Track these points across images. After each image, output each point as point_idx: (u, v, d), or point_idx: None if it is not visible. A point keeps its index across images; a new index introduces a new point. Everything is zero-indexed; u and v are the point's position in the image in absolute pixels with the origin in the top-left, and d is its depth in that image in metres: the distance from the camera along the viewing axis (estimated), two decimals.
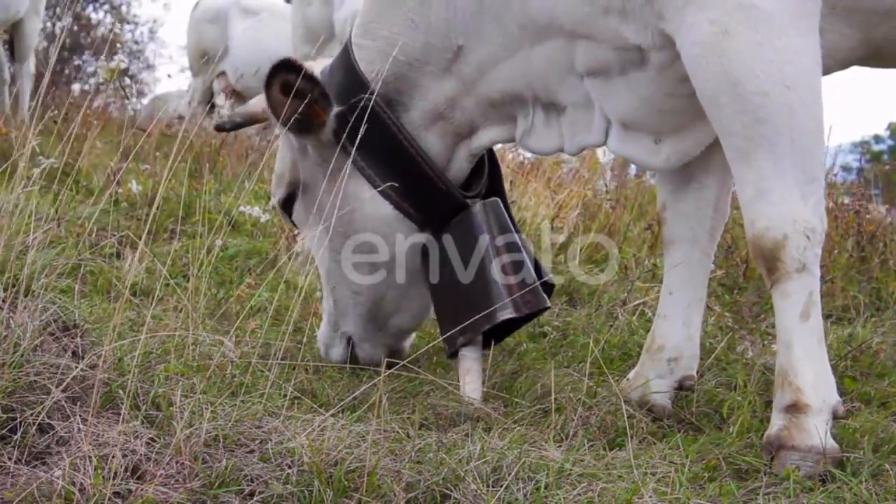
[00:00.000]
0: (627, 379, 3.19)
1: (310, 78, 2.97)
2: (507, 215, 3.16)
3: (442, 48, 3.00)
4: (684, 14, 2.62)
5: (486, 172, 3.27)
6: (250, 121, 3.24)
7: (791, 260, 2.60)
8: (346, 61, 3.10)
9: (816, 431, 2.55)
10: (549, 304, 3.17)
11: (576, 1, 2.78)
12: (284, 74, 2.95)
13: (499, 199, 3.17)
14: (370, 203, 3.09)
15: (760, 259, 2.65)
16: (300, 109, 2.92)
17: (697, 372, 3.22)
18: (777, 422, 2.62)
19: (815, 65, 2.62)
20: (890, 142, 25.93)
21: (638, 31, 2.75)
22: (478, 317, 3.00)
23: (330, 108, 3.03)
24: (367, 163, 3.06)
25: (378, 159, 3.05)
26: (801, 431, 2.56)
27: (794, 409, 2.59)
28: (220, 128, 3.32)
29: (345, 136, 3.01)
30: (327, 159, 3.10)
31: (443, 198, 3.11)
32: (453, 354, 3.12)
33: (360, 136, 2.88)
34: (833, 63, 2.83)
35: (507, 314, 3.03)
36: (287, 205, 3.30)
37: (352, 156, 2.97)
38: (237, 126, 3.29)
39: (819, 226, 2.61)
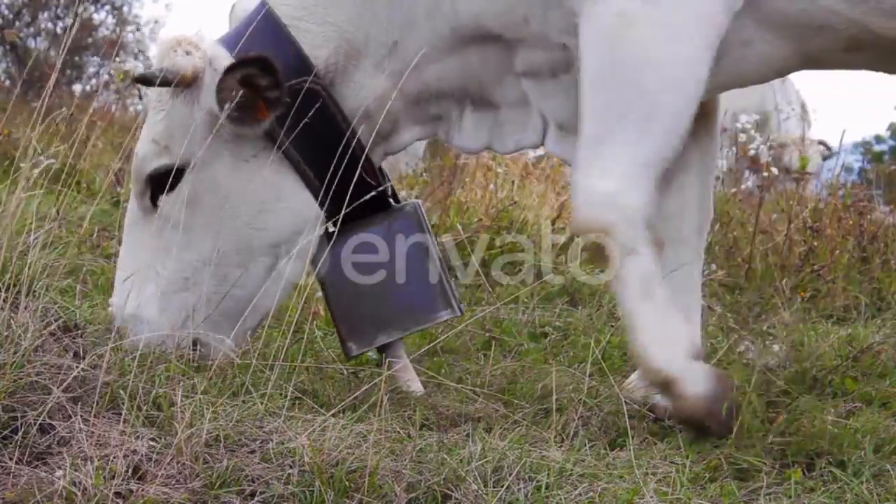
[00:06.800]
0: (629, 380, 3.19)
1: (278, 84, 2.84)
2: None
3: (380, 43, 2.98)
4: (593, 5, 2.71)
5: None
6: (179, 82, 2.92)
7: (618, 246, 2.66)
8: (282, 38, 2.93)
9: (692, 391, 2.71)
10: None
11: (499, 8, 2.85)
12: (251, 69, 2.82)
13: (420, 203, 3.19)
14: (290, 191, 2.98)
15: (591, 248, 2.72)
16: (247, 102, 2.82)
17: None
18: (660, 401, 2.83)
19: (702, 64, 2.70)
20: (891, 142, 25.89)
21: (560, 32, 2.82)
22: (417, 314, 3.06)
23: (276, 109, 2.87)
24: (298, 150, 2.95)
25: (315, 150, 2.94)
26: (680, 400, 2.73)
27: (665, 386, 2.74)
28: (142, 79, 2.96)
29: (277, 120, 2.90)
30: (242, 140, 2.94)
31: (371, 198, 3.03)
32: (356, 353, 3.14)
33: (302, 123, 2.85)
34: (769, 71, 2.91)
35: (446, 314, 3.08)
36: (161, 180, 2.95)
37: (283, 140, 2.89)
38: (165, 83, 2.93)
39: (643, 208, 2.68)
